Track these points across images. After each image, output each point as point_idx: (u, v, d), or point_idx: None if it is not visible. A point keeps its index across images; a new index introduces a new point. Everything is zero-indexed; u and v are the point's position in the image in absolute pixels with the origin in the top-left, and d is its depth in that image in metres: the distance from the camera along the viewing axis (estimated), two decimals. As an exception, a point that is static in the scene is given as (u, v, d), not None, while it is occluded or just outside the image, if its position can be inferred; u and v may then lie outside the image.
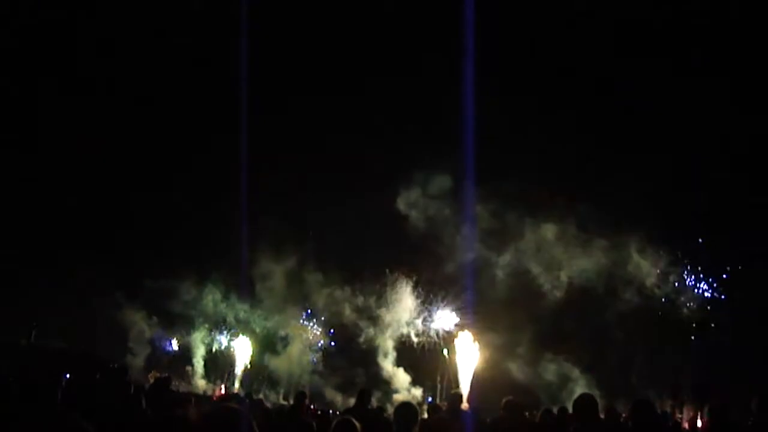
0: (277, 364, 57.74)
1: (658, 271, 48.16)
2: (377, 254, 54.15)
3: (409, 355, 54.54)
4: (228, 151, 53.57)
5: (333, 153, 55.10)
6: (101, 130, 56.13)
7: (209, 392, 56.73)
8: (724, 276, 48.84)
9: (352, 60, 55.53)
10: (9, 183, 52.55)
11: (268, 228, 52.36)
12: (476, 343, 51.44)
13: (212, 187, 57.00)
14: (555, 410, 23.58)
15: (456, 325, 53.53)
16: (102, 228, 58.10)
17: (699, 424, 40.54)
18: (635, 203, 47.32)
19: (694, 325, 48.59)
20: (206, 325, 61.62)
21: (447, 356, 52.79)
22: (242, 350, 60.79)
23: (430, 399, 48.38)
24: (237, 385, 59.73)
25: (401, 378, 53.84)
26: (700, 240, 48.82)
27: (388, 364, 54.09)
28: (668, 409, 43.06)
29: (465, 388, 49.10)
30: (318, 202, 55.30)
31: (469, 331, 51.91)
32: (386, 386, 52.76)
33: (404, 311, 53.48)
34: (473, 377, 50.59)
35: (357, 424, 14.78)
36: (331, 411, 36.40)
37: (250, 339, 60.60)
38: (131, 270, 57.03)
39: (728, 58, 47.73)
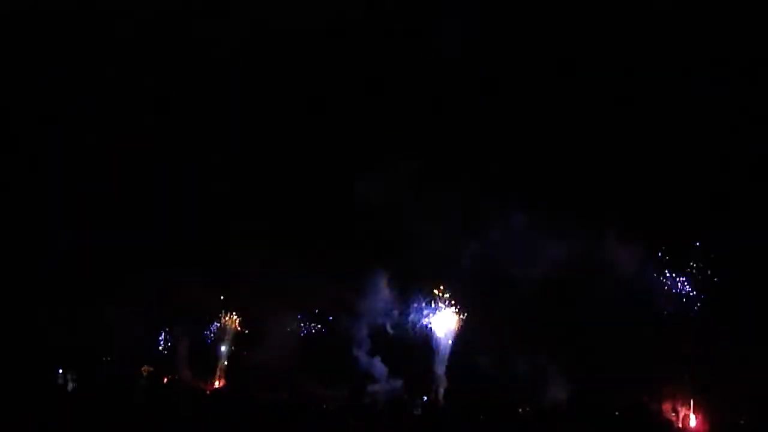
0: (257, 355, 57.55)
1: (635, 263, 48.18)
2: (356, 245, 53.94)
3: (386, 346, 54.44)
4: (211, 142, 53.15)
5: (313, 145, 54.98)
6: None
7: (199, 384, 56.57)
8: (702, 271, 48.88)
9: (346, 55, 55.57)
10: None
11: (247, 219, 52.11)
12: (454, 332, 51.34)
13: (194, 178, 56.73)
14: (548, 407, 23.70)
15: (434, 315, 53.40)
16: (93, 223, 57.70)
17: (693, 423, 40.88)
18: (617, 197, 47.16)
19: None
20: (189, 316, 61.29)
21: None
22: (226, 340, 60.64)
23: (425, 398, 48.36)
24: (221, 377, 59.49)
25: (379, 369, 53.84)
26: (680, 235, 48.77)
27: (364, 355, 54.02)
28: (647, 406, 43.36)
29: (444, 382, 49.05)
30: (300, 193, 55.04)
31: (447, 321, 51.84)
32: (366, 377, 52.66)
33: (380, 302, 53.33)
34: (451, 370, 50.64)
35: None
36: (325, 405, 36.34)
37: (230, 328, 60.48)
38: (117, 264, 56.65)
39: (726, 58, 48.01)
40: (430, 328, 52.43)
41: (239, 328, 58.45)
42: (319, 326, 56.12)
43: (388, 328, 53.06)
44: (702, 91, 47.42)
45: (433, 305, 52.73)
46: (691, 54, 48.06)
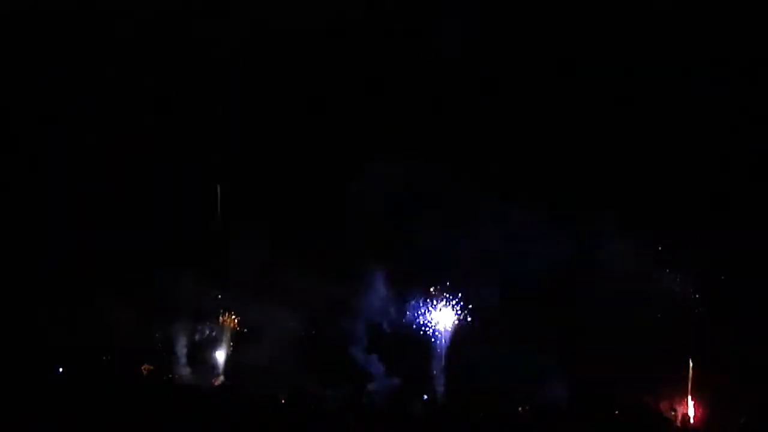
0: (254, 353, 57.70)
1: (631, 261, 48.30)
2: (352, 241, 54.10)
3: (384, 344, 54.52)
4: (211, 142, 53.32)
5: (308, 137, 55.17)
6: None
7: (198, 383, 56.75)
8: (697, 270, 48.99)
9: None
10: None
11: (245, 218, 52.32)
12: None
13: (194, 178, 56.88)
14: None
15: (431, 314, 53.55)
16: (92, 223, 57.84)
17: (692, 422, 40.90)
18: (617, 196, 47.33)
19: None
20: (186, 314, 61.34)
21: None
22: (223, 339, 60.68)
23: (425, 397, 48.44)
24: (220, 376, 59.57)
25: (377, 367, 53.91)
26: (680, 234, 48.91)
27: (362, 354, 54.10)
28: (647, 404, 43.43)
29: (443, 381, 49.14)
30: (299, 192, 55.22)
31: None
32: (364, 376, 52.80)
33: (378, 300, 53.46)
34: (450, 369, 50.75)
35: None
36: (324, 405, 36.36)
37: (228, 327, 60.51)
38: (117, 264, 56.76)
39: (726, 58, 48.18)
40: (428, 327, 52.63)
41: (237, 327, 58.61)
42: (317, 325, 56.28)
43: (385, 326, 53.27)
44: (702, 91, 47.65)
45: (431, 303, 52.96)
46: (691, 54, 48.32)
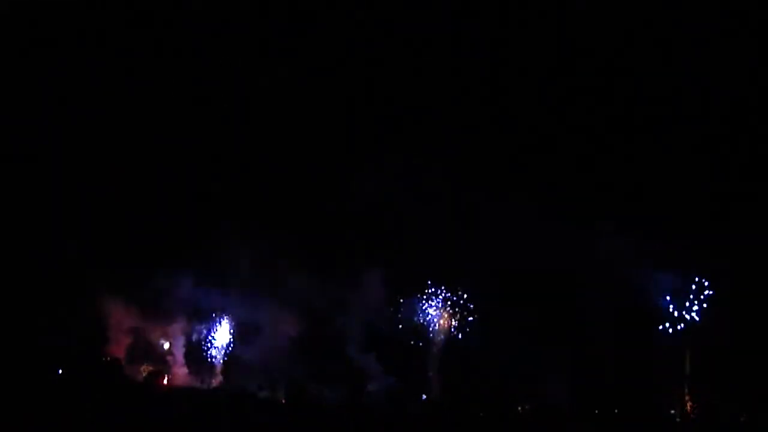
0: (252, 353, 57.82)
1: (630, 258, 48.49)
2: (350, 243, 54.30)
3: (381, 343, 54.60)
4: (210, 142, 53.62)
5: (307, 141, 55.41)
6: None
7: (197, 383, 56.93)
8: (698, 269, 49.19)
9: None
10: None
11: (243, 218, 52.53)
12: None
13: (192, 178, 57.10)
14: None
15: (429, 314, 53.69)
16: (92, 224, 58.02)
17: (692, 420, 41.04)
18: (618, 196, 47.52)
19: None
20: (184, 315, 61.50)
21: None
22: (221, 339, 60.81)
23: (424, 396, 48.53)
24: (219, 376, 59.73)
25: (374, 366, 54.03)
26: (680, 234, 49.04)
27: (359, 354, 54.20)
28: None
29: (442, 381, 49.29)
30: (297, 192, 55.46)
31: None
32: (362, 375, 52.89)
33: (375, 300, 53.55)
34: (449, 368, 50.86)
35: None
36: (324, 404, 36.34)
37: (228, 327, 60.69)
38: (116, 264, 56.90)
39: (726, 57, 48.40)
40: (427, 326, 52.75)
41: (237, 328, 58.75)
42: (315, 325, 56.40)
43: (383, 326, 53.32)
44: (702, 91, 47.79)
45: (429, 303, 53.06)
46: (691, 53, 48.47)
